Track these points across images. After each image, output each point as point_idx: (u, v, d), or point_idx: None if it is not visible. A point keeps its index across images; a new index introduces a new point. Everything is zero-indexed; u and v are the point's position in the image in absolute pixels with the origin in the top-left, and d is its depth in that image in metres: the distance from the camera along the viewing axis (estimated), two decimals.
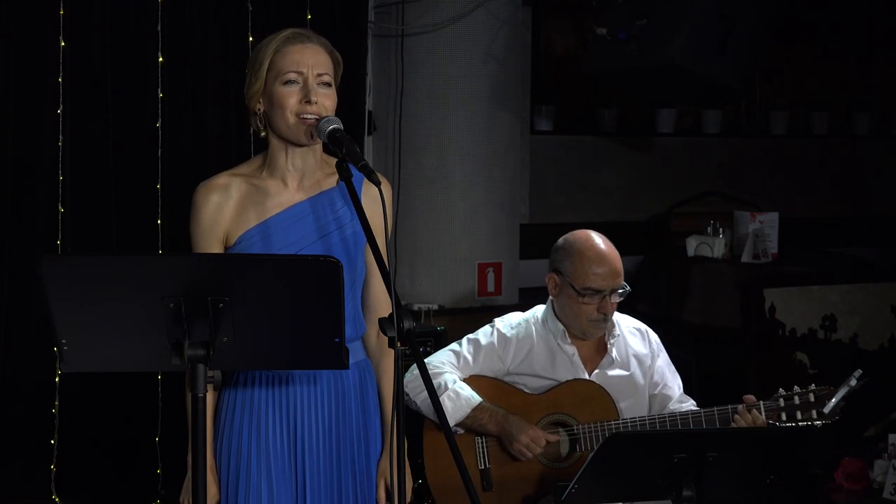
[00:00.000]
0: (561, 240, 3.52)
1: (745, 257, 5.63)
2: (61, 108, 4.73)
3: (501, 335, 3.53)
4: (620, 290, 3.43)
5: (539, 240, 6.36)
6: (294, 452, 2.76)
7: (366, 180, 2.61)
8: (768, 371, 5.32)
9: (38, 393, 4.75)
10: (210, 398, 2.73)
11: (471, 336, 3.57)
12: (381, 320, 2.34)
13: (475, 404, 3.39)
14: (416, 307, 5.32)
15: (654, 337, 3.62)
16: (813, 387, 3.29)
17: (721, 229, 5.79)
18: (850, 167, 7.43)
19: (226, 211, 2.72)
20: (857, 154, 7.50)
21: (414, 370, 3.45)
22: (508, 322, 3.59)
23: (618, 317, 3.57)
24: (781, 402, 3.29)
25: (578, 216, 6.68)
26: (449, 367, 3.48)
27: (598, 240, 3.46)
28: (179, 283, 2.23)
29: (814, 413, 3.24)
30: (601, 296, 3.40)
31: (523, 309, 3.68)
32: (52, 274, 2.21)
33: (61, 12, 4.69)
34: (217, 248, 2.73)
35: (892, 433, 4.85)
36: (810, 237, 6.96)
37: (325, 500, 2.77)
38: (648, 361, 3.56)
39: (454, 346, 3.57)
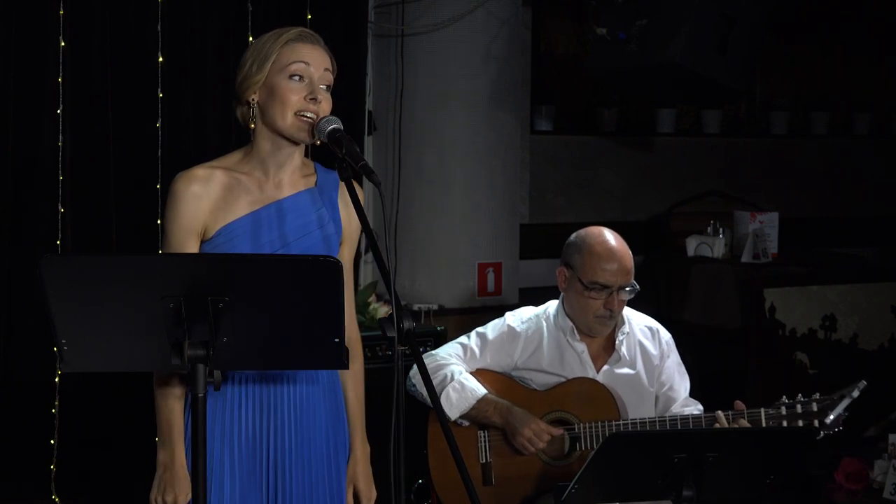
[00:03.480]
0: (573, 235, 3.53)
1: (745, 257, 5.63)
2: (61, 108, 4.73)
3: (511, 329, 3.54)
4: (629, 288, 3.43)
5: (539, 240, 6.37)
6: (267, 454, 2.73)
7: (341, 183, 2.65)
8: (768, 371, 5.33)
9: (38, 393, 4.75)
10: (181, 397, 2.71)
11: (479, 329, 3.58)
12: (381, 320, 2.34)
13: (480, 396, 3.40)
14: (416, 307, 5.31)
15: (665, 336, 3.61)
16: (817, 396, 3.27)
17: (721, 229, 5.79)
18: (849, 167, 7.43)
19: (206, 203, 2.68)
20: (856, 154, 7.49)
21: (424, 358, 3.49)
22: (520, 316, 3.59)
23: (630, 314, 3.58)
24: (783, 410, 3.28)
25: (578, 216, 6.68)
26: (455, 359, 3.50)
27: (610, 236, 3.47)
28: (179, 283, 2.23)
29: (815, 423, 3.23)
30: (608, 292, 3.40)
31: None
32: (52, 274, 2.21)
33: (61, 12, 4.69)
34: (193, 241, 2.68)
35: (892, 433, 4.84)
36: (810, 237, 6.96)
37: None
38: (657, 361, 3.56)
39: (463, 338, 3.58)
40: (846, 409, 3.24)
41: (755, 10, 4.71)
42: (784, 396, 3.32)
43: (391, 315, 2.30)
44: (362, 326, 4.77)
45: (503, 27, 5.56)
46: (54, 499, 4.76)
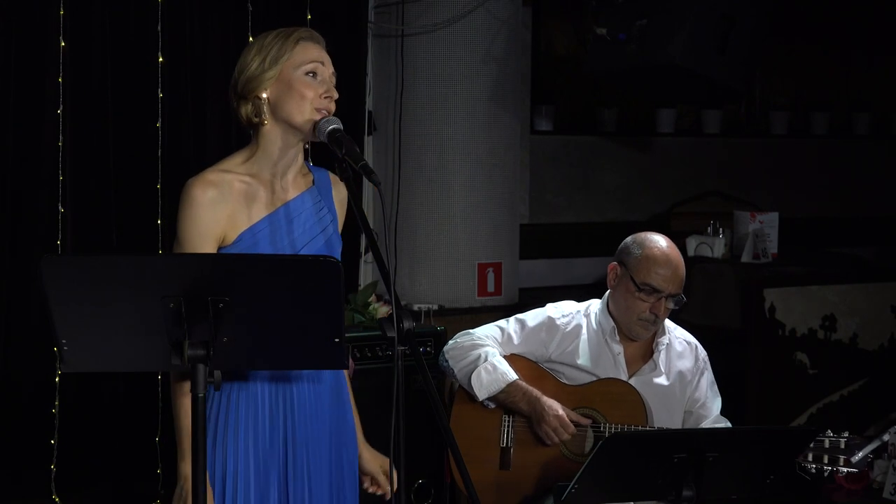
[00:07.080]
0: (631, 236, 3.54)
1: (745, 257, 5.63)
2: (61, 108, 4.72)
3: (551, 321, 3.55)
4: (677, 298, 3.44)
5: (539, 240, 6.37)
6: (285, 453, 2.73)
7: (335, 181, 2.70)
8: (768, 371, 5.32)
9: (38, 393, 4.75)
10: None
11: (519, 315, 3.59)
12: (381, 320, 2.34)
13: (510, 380, 3.41)
14: (416, 307, 5.31)
15: (702, 353, 3.61)
16: (846, 434, 3.24)
17: (721, 229, 5.78)
18: (849, 167, 7.43)
19: (224, 208, 2.65)
20: (856, 154, 7.50)
21: (457, 337, 3.55)
22: (561, 310, 3.59)
23: (671, 326, 3.59)
24: (811, 444, 3.25)
25: (578, 216, 6.69)
26: (491, 341, 3.52)
27: (668, 243, 3.48)
28: (179, 283, 2.23)
29: (841, 460, 3.19)
30: (657, 296, 3.41)
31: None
32: (52, 274, 2.21)
33: (61, 12, 4.69)
34: (211, 247, 2.65)
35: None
36: (810, 237, 6.96)
37: (319, 500, 2.76)
38: (690, 377, 3.55)
39: (501, 322, 3.59)
40: (874, 450, 3.21)
41: (755, 11, 4.71)
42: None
43: (391, 315, 2.31)
44: (362, 326, 4.80)
45: (503, 27, 5.56)
46: (54, 499, 4.76)
